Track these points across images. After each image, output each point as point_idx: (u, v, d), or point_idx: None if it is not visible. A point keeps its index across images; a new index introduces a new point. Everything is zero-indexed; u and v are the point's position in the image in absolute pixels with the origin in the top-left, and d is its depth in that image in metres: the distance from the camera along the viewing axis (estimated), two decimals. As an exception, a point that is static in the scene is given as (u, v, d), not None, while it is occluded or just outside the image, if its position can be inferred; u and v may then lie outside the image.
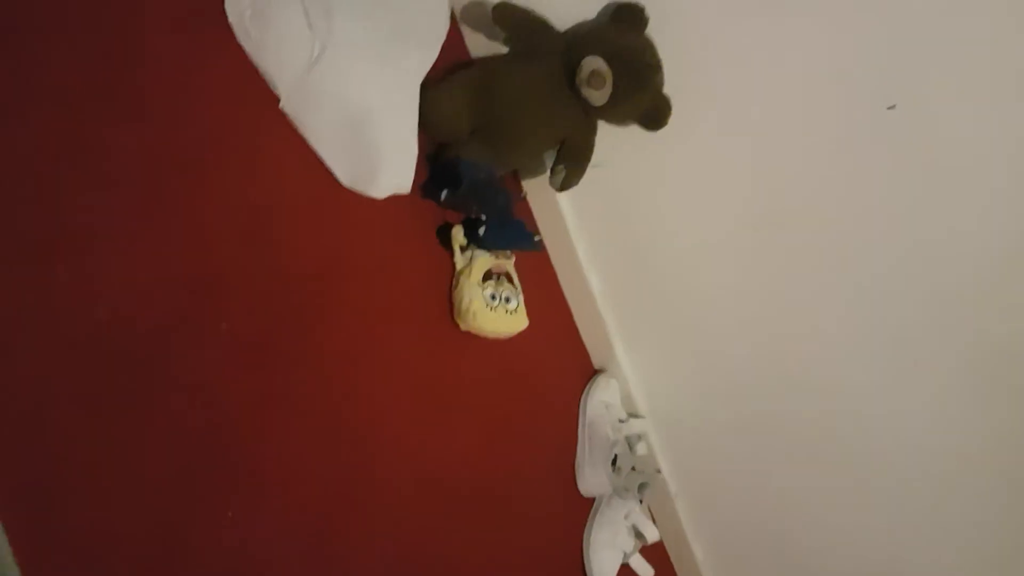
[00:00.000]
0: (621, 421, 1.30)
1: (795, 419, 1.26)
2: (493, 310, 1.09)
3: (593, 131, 1.15)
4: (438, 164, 1.07)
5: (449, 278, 1.10)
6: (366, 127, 0.93)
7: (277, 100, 0.90)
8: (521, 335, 1.15)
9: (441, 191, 1.06)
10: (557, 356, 1.32)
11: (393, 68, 0.94)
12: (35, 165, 0.69)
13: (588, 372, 1.36)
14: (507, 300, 1.12)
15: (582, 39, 1.10)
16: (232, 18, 0.87)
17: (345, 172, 0.95)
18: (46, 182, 0.70)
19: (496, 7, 1.09)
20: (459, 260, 1.10)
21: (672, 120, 1.11)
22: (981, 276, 1.04)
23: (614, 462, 1.26)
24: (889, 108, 1.00)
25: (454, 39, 1.13)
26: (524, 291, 1.16)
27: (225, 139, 0.86)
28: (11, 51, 0.69)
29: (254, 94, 0.90)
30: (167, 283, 0.76)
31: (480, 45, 1.18)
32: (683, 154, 1.16)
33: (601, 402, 1.30)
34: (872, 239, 1.09)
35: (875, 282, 1.11)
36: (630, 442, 1.27)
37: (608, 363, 1.36)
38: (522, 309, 1.15)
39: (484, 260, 1.11)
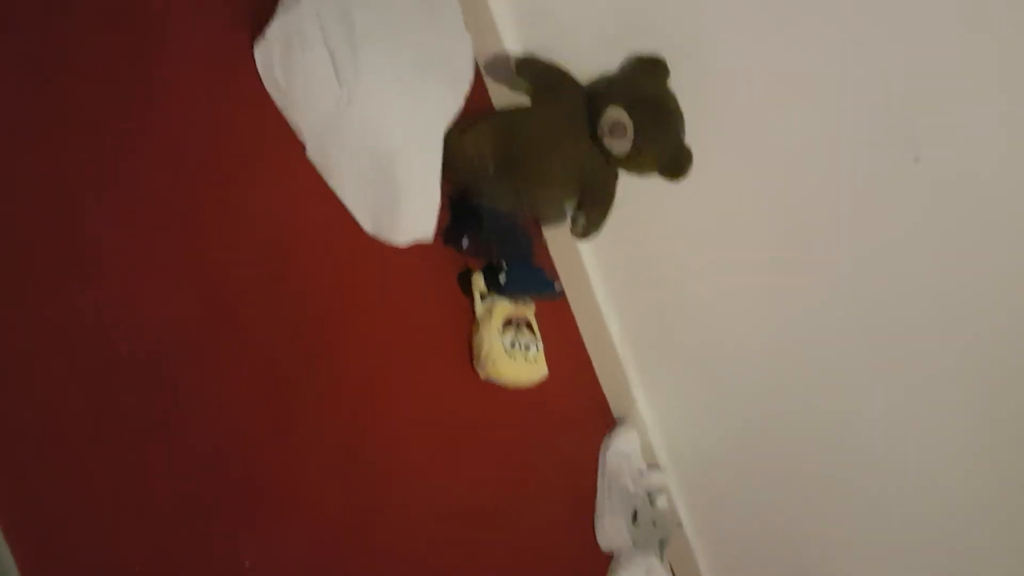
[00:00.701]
0: (641, 473, 1.28)
1: (823, 469, 1.24)
2: (512, 358, 1.08)
3: (614, 179, 1.16)
4: (460, 209, 1.08)
5: (469, 325, 1.10)
6: (390, 175, 0.94)
7: (303, 148, 0.92)
8: (540, 382, 1.14)
9: (462, 237, 1.07)
10: (576, 405, 1.31)
11: (418, 117, 0.96)
12: (62, 197, 0.70)
13: (608, 422, 1.34)
14: (527, 348, 1.11)
15: (604, 89, 1.11)
16: (261, 67, 0.89)
17: (368, 219, 0.96)
18: (70, 211, 0.71)
19: (520, 60, 1.11)
20: (479, 307, 1.10)
21: (693, 169, 1.11)
22: (1011, 323, 1.03)
23: (634, 515, 1.23)
24: (915, 161, 1.01)
25: (478, 89, 1.14)
26: (544, 339, 1.15)
27: (250, 184, 0.87)
28: (40, 84, 0.71)
29: (281, 141, 0.91)
30: (188, 316, 0.77)
31: (503, 96, 1.20)
32: (704, 202, 1.16)
33: (621, 453, 1.28)
34: (898, 287, 1.08)
35: (903, 331, 1.10)
36: (651, 495, 1.25)
37: (628, 412, 1.34)
38: (542, 357, 1.14)
39: (504, 307, 1.10)
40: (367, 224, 0.96)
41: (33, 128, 0.70)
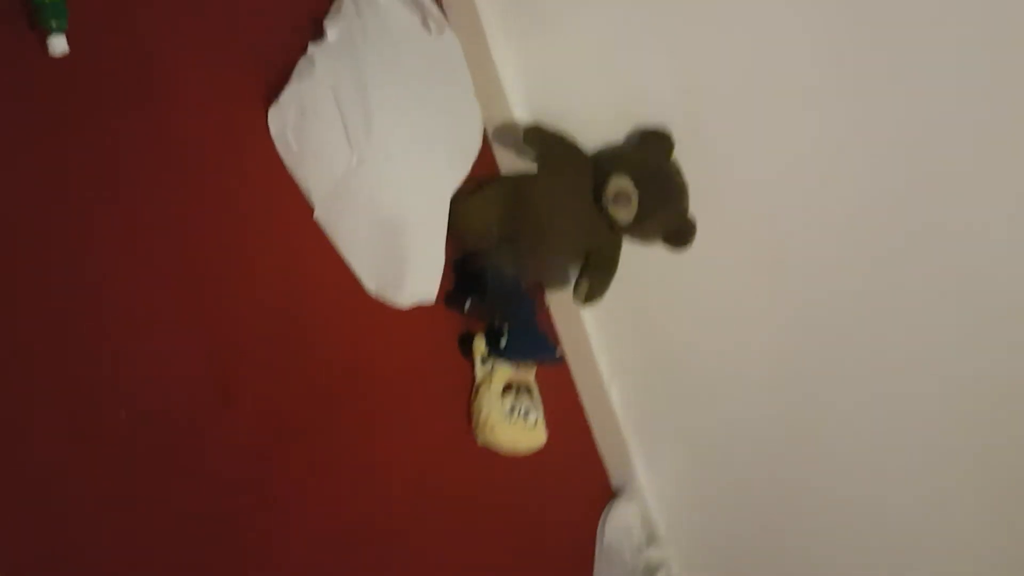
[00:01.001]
0: (640, 548, 1.25)
1: (831, 543, 1.21)
2: (511, 424, 1.07)
3: (618, 247, 1.16)
4: (464, 272, 1.09)
5: (469, 388, 1.09)
6: (395, 237, 0.94)
7: (311, 209, 0.93)
8: (538, 450, 1.13)
9: (466, 300, 1.07)
10: (575, 473, 1.28)
11: (425, 181, 0.97)
12: (74, 262, 0.71)
13: (607, 493, 1.32)
14: (526, 414, 1.10)
15: (610, 159, 1.13)
16: (274, 129, 0.91)
17: (372, 280, 0.96)
18: (82, 275, 0.71)
19: (527, 128, 1.13)
20: (479, 370, 1.09)
21: (697, 237, 1.12)
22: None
23: (632, 592, 1.20)
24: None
25: (485, 156, 1.16)
26: (543, 404, 1.14)
27: (257, 244, 0.87)
28: (53, 135, 0.72)
29: (289, 202, 0.92)
30: (190, 374, 0.77)
31: (510, 163, 1.22)
32: (707, 271, 1.17)
33: (620, 526, 1.25)
34: (905, 352, 1.08)
35: (911, 397, 1.09)
36: (649, 572, 1.22)
37: (628, 483, 1.32)
38: (541, 424, 1.12)
39: (504, 371, 1.10)
40: (371, 285, 0.97)
41: (43, 214, 0.71)
